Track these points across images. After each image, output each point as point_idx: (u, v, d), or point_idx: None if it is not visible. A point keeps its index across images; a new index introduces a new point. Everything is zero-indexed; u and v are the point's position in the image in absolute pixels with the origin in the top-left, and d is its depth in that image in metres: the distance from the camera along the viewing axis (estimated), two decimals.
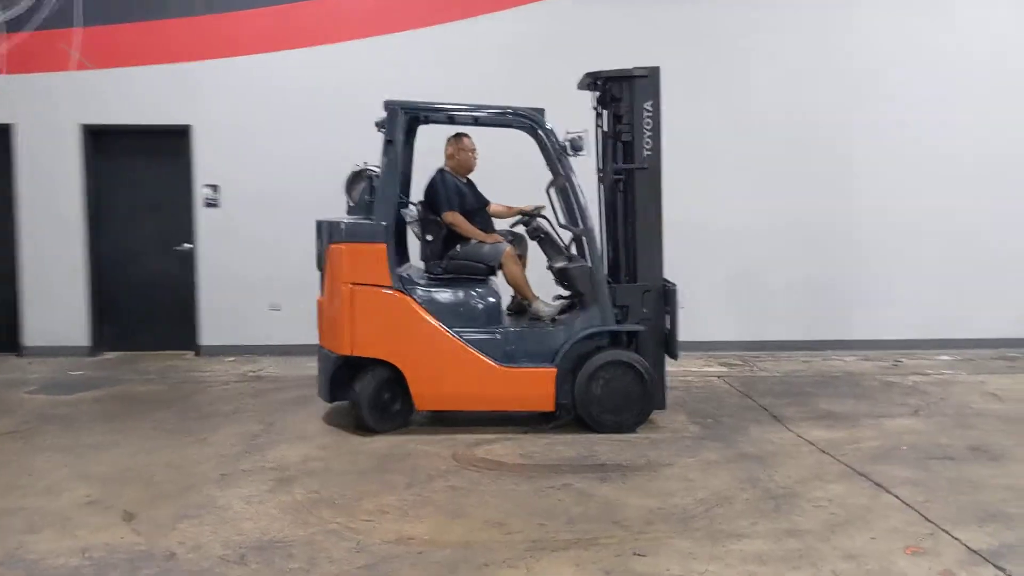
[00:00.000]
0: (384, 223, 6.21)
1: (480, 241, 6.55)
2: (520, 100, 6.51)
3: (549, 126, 6.34)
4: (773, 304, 9.45)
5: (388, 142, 6.26)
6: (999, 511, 4.70)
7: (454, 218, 6.50)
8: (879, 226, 9.40)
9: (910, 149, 9.37)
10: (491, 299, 6.41)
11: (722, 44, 9.33)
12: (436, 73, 8.99)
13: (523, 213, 6.87)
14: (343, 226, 6.23)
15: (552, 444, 6.01)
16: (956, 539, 4.33)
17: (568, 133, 6.22)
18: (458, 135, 6.75)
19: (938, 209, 9.42)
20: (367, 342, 6.18)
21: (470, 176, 6.86)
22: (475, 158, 6.80)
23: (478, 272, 6.45)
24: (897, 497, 4.92)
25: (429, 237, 6.55)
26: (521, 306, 6.79)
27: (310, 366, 8.59)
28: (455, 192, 6.57)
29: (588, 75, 6.56)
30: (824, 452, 5.77)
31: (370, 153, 6.59)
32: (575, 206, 6.37)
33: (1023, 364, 8.85)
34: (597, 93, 6.63)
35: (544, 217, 6.80)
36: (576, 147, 6.21)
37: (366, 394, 6.22)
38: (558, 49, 9.05)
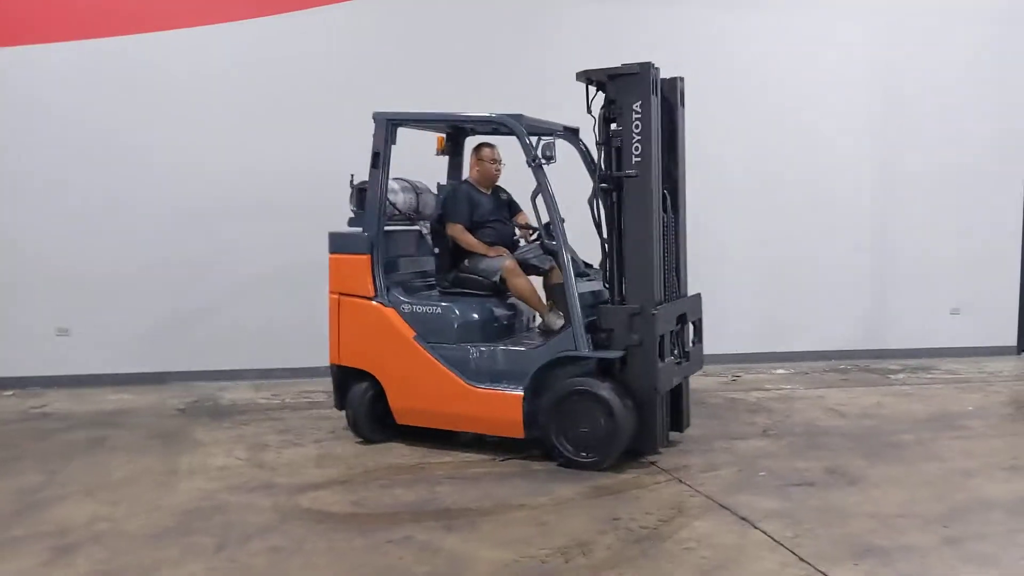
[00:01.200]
0: (368, 234, 6.14)
1: (483, 255, 6.30)
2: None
3: (523, 131, 5.80)
4: None
5: (375, 154, 6.16)
6: (871, 544, 4.39)
7: (453, 230, 6.34)
8: (708, 237, 9.25)
9: (738, 162, 9.30)
10: (472, 314, 6.11)
11: None
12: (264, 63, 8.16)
13: (527, 227, 6.54)
14: (332, 237, 6.30)
15: (388, 487, 5.33)
16: None
17: (540, 140, 5.73)
18: (479, 146, 6.53)
19: (766, 221, 9.41)
20: (351, 352, 6.27)
21: (501, 187, 6.58)
22: (495, 168, 6.51)
23: (482, 287, 6.21)
24: (765, 533, 4.54)
25: (436, 250, 6.49)
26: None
27: (108, 400, 7.63)
28: (464, 204, 6.37)
29: (580, 74, 5.77)
30: (682, 482, 5.37)
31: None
32: (551, 218, 5.79)
33: (856, 376, 8.89)
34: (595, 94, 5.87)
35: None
36: (545, 155, 5.68)
37: (355, 404, 6.27)
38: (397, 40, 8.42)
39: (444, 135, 6.68)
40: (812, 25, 9.38)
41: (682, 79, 5.93)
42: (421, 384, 6.04)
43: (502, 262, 6.24)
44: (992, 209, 9.97)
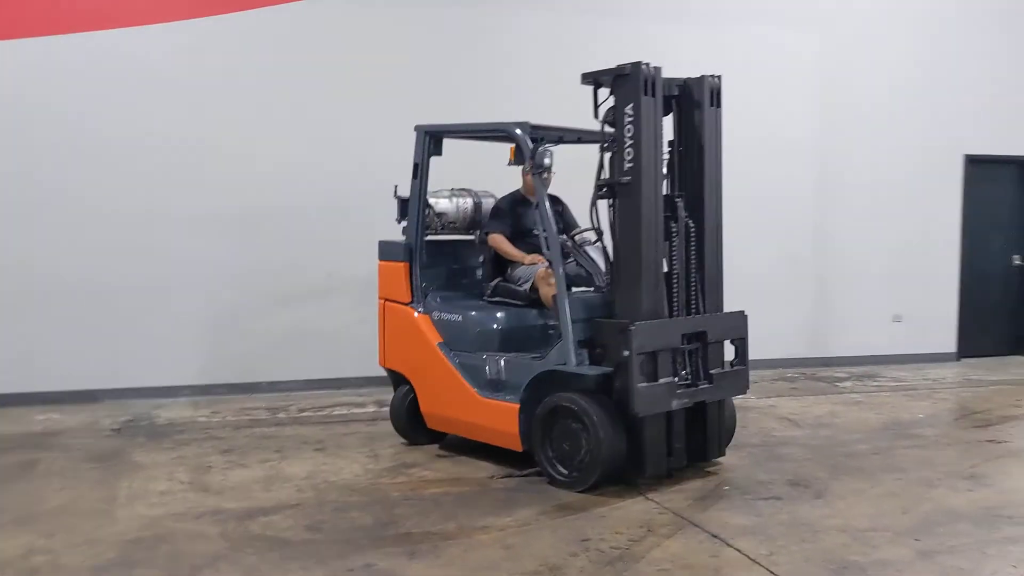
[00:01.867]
0: (407, 243, 6.32)
1: (520, 263, 6.19)
2: None
3: (525, 139, 5.64)
4: None
5: (415, 165, 6.31)
6: (845, 560, 4.31)
7: (491, 239, 6.34)
8: None
9: None
10: (491, 323, 6.07)
11: None
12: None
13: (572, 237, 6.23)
14: (381, 245, 6.53)
15: (343, 509, 5.08)
16: None
17: (541, 148, 5.53)
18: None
19: None
20: (393, 356, 6.51)
21: (556, 197, 6.27)
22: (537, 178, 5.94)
23: (519, 296, 6.14)
24: (740, 551, 4.42)
25: (481, 259, 6.53)
26: None
27: (35, 420, 7.22)
28: (504, 213, 6.35)
29: (585, 75, 5.50)
30: (647, 498, 5.23)
31: None
32: (544, 227, 5.61)
33: (805, 385, 8.90)
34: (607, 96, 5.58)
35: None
36: (539, 163, 5.49)
37: (395, 406, 6.51)
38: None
39: (513, 146, 6.31)
40: (753, 38, 9.38)
41: (716, 77, 5.60)
42: (443, 391, 6.11)
43: (535, 269, 6.04)
44: (931, 220, 10.13)
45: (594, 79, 5.39)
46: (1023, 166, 10.53)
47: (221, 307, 8.22)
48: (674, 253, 5.45)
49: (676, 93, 5.53)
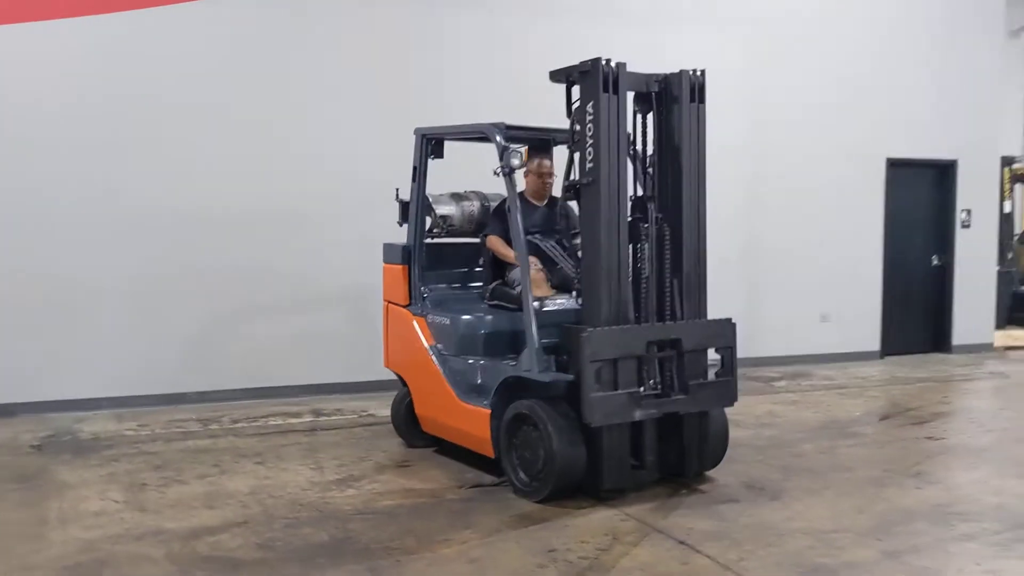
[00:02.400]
0: (406, 245, 6.35)
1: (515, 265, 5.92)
2: None
3: (499, 140, 5.52)
4: None
5: (414, 168, 6.35)
6: (815, 564, 4.29)
7: (488, 242, 6.19)
8: None
9: None
10: (476, 327, 5.91)
11: None
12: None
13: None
14: (384, 247, 6.58)
15: (294, 526, 4.85)
16: None
17: (510, 149, 5.41)
18: (531, 158, 6.11)
19: None
20: (394, 358, 6.60)
21: (560, 199, 5.95)
22: (543, 180, 6.20)
23: (514, 299, 5.86)
24: (710, 557, 4.37)
25: (481, 261, 6.39)
26: None
27: None
28: (503, 215, 6.02)
29: (554, 73, 5.31)
30: (609, 505, 5.14)
31: None
32: (513, 231, 5.56)
33: (741, 385, 8.92)
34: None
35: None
36: (508, 164, 5.40)
37: (395, 408, 6.59)
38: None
39: (527, 147, 6.19)
40: (685, 41, 9.40)
41: (698, 72, 5.37)
42: (432, 394, 6.10)
43: (532, 270, 5.83)
44: (856, 222, 10.34)
45: (565, 76, 5.27)
46: (941, 169, 10.84)
47: (144, 315, 7.85)
48: (643, 256, 5.31)
49: (656, 90, 5.38)
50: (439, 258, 6.54)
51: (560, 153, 5.93)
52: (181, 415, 7.53)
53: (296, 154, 8.23)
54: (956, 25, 10.62)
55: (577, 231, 5.87)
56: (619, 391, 5.06)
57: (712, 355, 5.54)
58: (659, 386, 5.20)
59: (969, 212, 10.89)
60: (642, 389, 5.14)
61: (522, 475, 5.33)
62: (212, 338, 8.09)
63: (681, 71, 5.32)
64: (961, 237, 10.93)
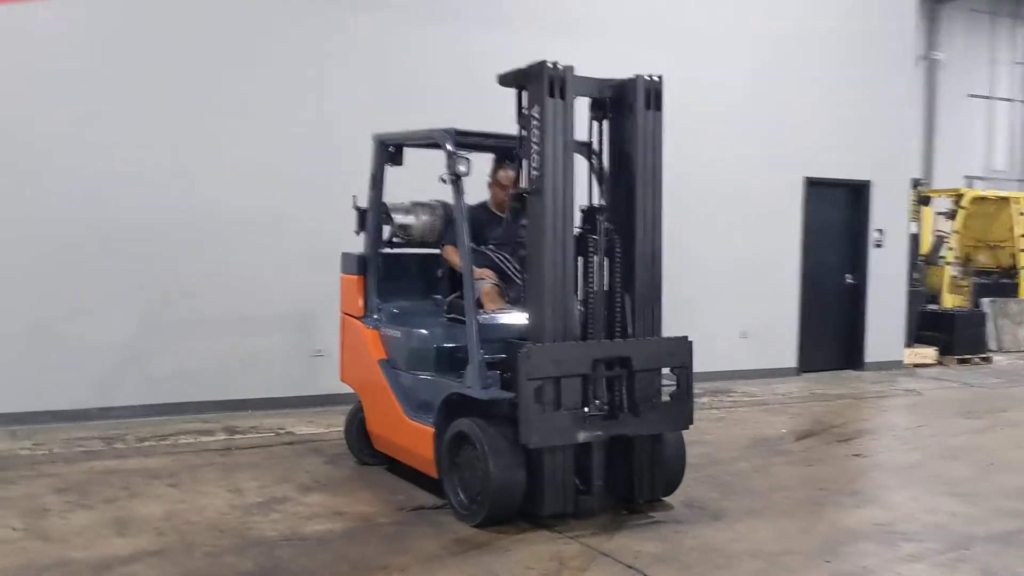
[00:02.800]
0: (363, 255, 6.11)
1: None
2: None
3: (450, 148, 5.26)
4: None
5: (372, 176, 6.11)
6: None
7: (444, 252, 5.99)
8: None
9: None
10: (427, 341, 5.68)
11: None
12: None
13: None
14: (342, 257, 6.33)
15: (216, 554, 4.49)
16: None
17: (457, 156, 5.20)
18: (494, 166, 6.07)
19: None
20: (348, 372, 6.35)
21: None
22: (499, 190, 5.95)
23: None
24: None
25: (439, 273, 6.15)
26: None
27: None
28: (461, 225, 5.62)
29: (501, 76, 5.08)
30: (551, 529, 4.92)
31: None
32: (457, 239, 5.40)
33: None
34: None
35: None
36: (452, 171, 5.21)
37: (347, 423, 6.32)
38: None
39: (494, 156, 6.04)
40: (611, 55, 9.28)
41: (655, 77, 5.15)
42: (381, 410, 5.83)
43: (480, 285, 5.61)
44: (775, 240, 10.42)
45: (513, 79, 5.04)
46: (855, 189, 11.03)
47: (41, 325, 7.30)
48: (591, 271, 5.10)
49: (609, 95, 5.19)
50: (400, 269, 6.26)
51: None
52: (82, 433, 7.01)
53: (219, 158, 7.82)
54: (869, 51, 10.83)
55: None
56: (561, 411, 4.82)
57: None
58: (606, 407, 4.97)
59: (882, 232, 11.12)
60: (587, 409, 4.91)
61: (462, 497, 5.08)
62: (115, 351, 7.58)
63: (637, 76, 5.11)
64: (874, 256, 11.14)
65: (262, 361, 8.03)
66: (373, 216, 6.13)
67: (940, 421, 8.23)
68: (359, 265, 6.14)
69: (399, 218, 6.15)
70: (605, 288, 5.14)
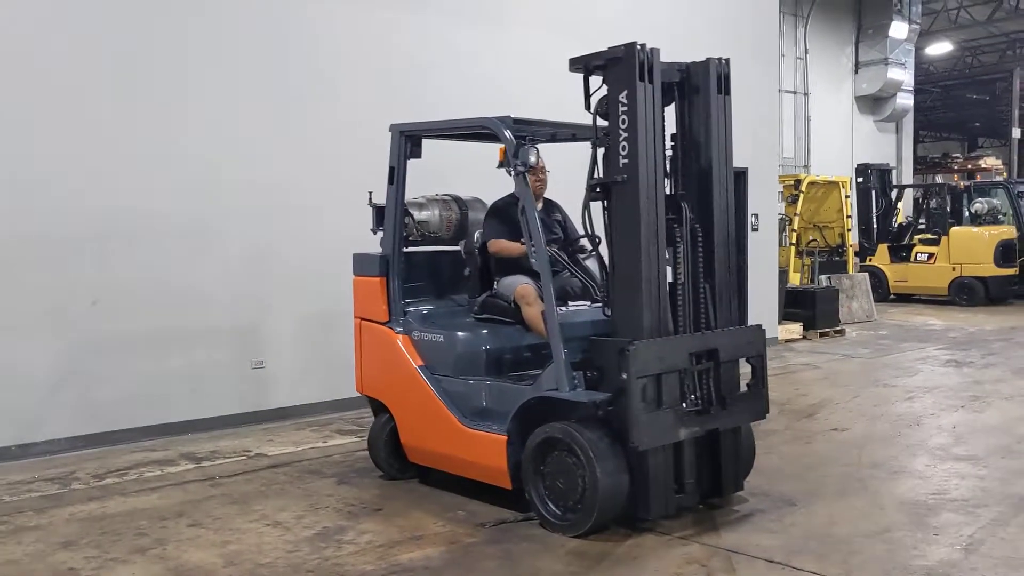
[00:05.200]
0: (384, 255, 5.67)
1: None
2: None
3: (508, 135, 4.96)
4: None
5: (391, 169, 5.67)
6: (918, 567, 4.23)
7: (492, 246, 5.54)
8: None
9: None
10: (476, 344, 5.34)
11: None
12: None
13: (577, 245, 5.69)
14: (355, 258, 5.88)
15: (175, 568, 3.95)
16: None
17: (524, 145, 4.88)
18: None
19: None
20: (370, 380, 5.86)
21: (554, 203, 5.74)
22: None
23: (508, 312, 5.37)
24: (816, 573, 4.15)
25: (467, 272, 5.88)
26: None
27: None
28: (501, 217, 5.56)
29: (573, 61, 4.80)
30: (655, 533, 4.72)
31: None
32: (532, 235, 4.93)
33: None
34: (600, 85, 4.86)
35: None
36: (522, 162, 4.88)
37: (374, 436, 5.82)
38: None
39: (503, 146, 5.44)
40: (530, 40, 9.19)
41: (723, 61, 5.04)
42: (424, 420, 5.42)
43: (516, 283, 5.29)
44: None
45: (584, 65, 4.77)
46: (736, 176, 11.45)
47: None
48: (679, 261, 4.93)
49: (677, 79, 5.01)
50: (412, 268, 5.84)
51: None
52: (14, 476, 5.98)
53: (149, 163, 6.93)
54: (744, 47, 11.29)
55: (578, 237, 5.46)
56: (664, 409, 4.64)
57: None
58: (699, 401, 4.83)
59: (757, 216, 11.64)
60: (684, 405, 4.76)
61: (552, 507, 4.78)
62: (35, 378, 6.52)
63: (708, 59, 5.01)
64: (752, 239, 11.63)
65: (198, 377, 7.20)
66: (394, 213, 5.67)
67: (864, 391, 8.73)
68: (381, 266, 5.66)
69: (419, 214, 5.75)
70: (691, 278, 4.99)
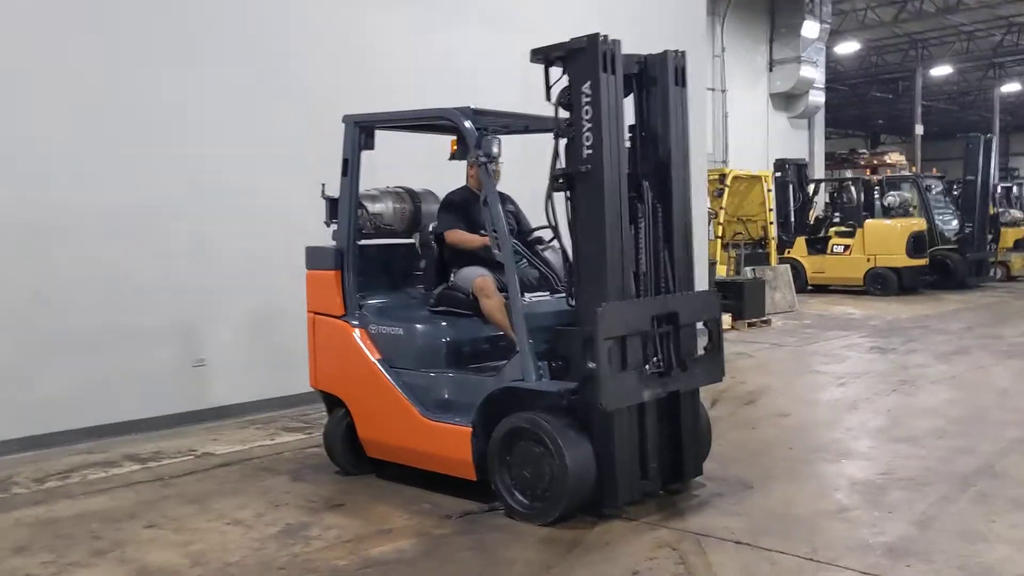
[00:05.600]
0: (338, 248, 5.61)
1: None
2: None
3: (468, 126, 5.01)
4: None
5: (345, 160, 5.63)
6: (882, 544, 4.37)
7: (450, 236, 5.50)
8: None
9: None
10: (436, 336, 5.37)
11: None
12: None
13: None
14: (308, 251, 5.82)
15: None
16: None
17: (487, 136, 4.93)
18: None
19: None
20: (325, 375, 5.80)
21: (507, 195, 5.58)
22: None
23: (466, 304, 5.35)
24: (784, 553, 4.27)
25: (422, 264, 5.86)
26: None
27: None
28: (456, 208, 5.57)
29: (534, 52, 4.82)
30: (623, 519, 4.77)
31: None
32: (495, 224, 4.99)
33: None
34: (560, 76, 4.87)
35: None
36: (486, 153, 4.91)
37: (330, 432, 5.74)
38: None
39: (455, 138, 5.38)
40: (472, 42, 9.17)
41: (679, 53, 5.10)
42: (383, 414, 5.40)
43: (474, 275, 5.25)
44: None
45: (545, 56, 4.79)
46: None
47: None
48: (640, 237, 4.92)
49: (636, 71, 5.05)
50: (363, 261, 5.76)
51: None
52: None
53: (85, 149, 6.69)
54: (674, 41, 11.48)
55: (532, 229, 5.49)
56: (628, 371, 4.69)
57: None
58: (661, 364, 4.88)
59: None
60: (647, 367, 4.80)
61: (519, 497, 4.79)
62: None
63: (665, 51, 5.08)
64: None
65: (138, 377, 6.98)
66: (347, 206, 5.60)
67: (799, 378, 9.01)
68: (336, 259, 5.60)
69: (372, 206, 5.69)
70: (651, 248, 4.99)
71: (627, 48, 4.87)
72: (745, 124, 22.25)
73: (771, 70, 23.19)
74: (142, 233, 6.95)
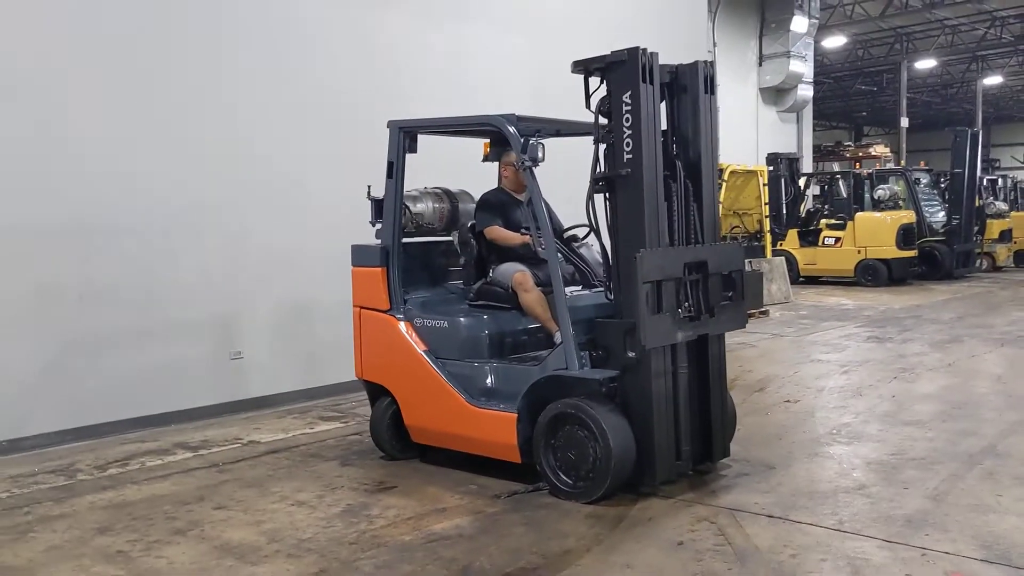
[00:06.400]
0: (383, 246, 5.95)
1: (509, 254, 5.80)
2: None
3: (513, 131, 5.35)
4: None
5: (390, 163, 5.94)
6: (905, 515, 4.76)
7: (489, 233, 5.87)
8: None
9: None
10: (481, 328, 5.71)
11: None
12: None
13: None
14: (354, 249, 6.16)
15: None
16: None
17: (532, 140, 5.23)
18: (507, 151, 5.94)
19: None
20: (371, 366, 6.13)
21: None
22: (516, 173, 5.87)
23: (505, 298, 5.74)
24: (814, 524, 4.66)
25: (462, 260, 6.15)
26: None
27: None
28: (493, 208, 5.95)
29: (575, 63, 5.18)
30: (660, 496, 5.16)
31: None
32: (539, 223, 5.38)
33: None
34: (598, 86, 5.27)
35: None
36: (531, 157, 5.24)
37: (376, 420, 6.08)
38: None
39: (488, 140, 5.90)
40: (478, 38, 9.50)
41: (709, 63, 5.49)
42: (430, 402, 5.74)
43: (512, 270, 5.62)
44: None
45: (585, 68, 5.15)
46: None
47: None
48: (675, 231, 5.29)
49: (667, 80, 5.41)
50: (406, 259, 6.11)
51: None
52: (14, 470, 6.03)
53: (125, 149, 7.02)
54: (678, 38, 11.87)
55: (573, 227, 5.85)
56: (664, 313, 5.05)
57: None
58: (691, 309, 5.24)
59: None
60: (680, 312, 5.16)
61: (564, 477, 5.17)
62: (20, 374, 6.55)
63: (696, 62, 5.45)
64: None
65: (179, 369, 7.31)
66: (392, 206, 5.95)
67: (802, 366, 9.39)
68: (382, 257, 5.95)
69: (414, 206, 6.06)
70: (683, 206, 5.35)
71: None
72: (735, 118, 22.65)
73: (761, 65, 23.60)
74: (182, 231, 7.26)
